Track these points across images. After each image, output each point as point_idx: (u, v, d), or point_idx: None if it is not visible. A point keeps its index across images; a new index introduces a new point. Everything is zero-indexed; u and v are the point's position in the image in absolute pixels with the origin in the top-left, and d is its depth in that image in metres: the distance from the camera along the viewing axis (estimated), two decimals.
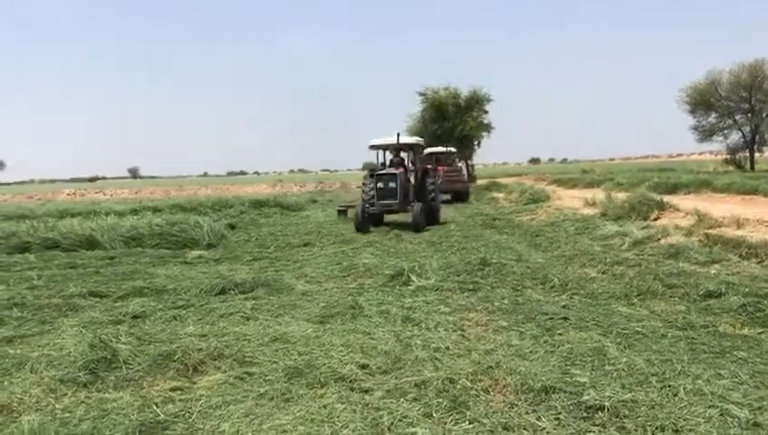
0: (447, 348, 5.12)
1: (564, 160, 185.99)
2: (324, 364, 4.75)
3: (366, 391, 4.24)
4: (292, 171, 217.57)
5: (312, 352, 5.09)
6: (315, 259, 10.68)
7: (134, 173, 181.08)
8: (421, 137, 37.56)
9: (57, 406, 4.20)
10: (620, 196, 16.09)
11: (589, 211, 15.95)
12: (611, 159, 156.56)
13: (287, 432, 3.61)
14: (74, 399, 4.33)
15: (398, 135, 16.15)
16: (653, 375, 4.35)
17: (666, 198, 14.53)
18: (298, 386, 4.39)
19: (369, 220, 15.58)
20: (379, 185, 15.79)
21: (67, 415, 4.00)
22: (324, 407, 3.98)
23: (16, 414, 4.11)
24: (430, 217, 15.99)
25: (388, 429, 3.63)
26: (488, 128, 44.54)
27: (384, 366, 4.72)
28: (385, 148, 16.97)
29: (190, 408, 4.07)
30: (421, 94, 43.92)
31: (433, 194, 16.59)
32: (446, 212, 18.72)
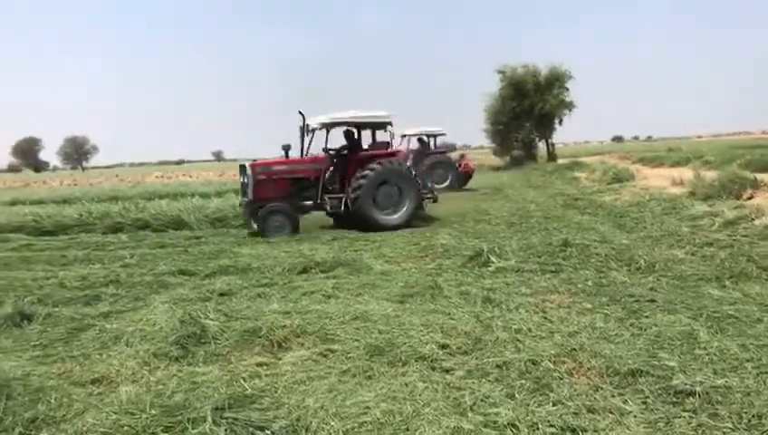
0: (529, 330, 5.05)
1: (649, 138, 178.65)
2: (405, 343, 4.78)
3: (447, 371, 4.25)
4: None
5: (393, 331, 5.12)
6: (393, 239, 10.73)
7: (218, 156, 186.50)
8: (501, 116, 36.33)
9: (151, 378, 4.41)
10: (710, 174, 15.35)
11: (676, 191, 15.32)
12: (699, 137, 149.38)
13: (370, 409, 3.66)
14: (167, 372, 4.53)
15: (302, 114, 12.69)
16: (748, 361, 4.15)
17: (760, 177, 13.78)
18: (379, 364, 4.44)
19: (255, 218, 12.35)
20: (242, 179, 12.97)
21: (161, 387, 4.19)
22: (406, 385, 4.01)
23: (115, 385, 4.35)
24: (359, 222, 12.57)
25: (470, 408, 3.63)
26: (569, 105, 43.42)
27: (464, 346, 4.71)
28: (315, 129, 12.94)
29: (276, 383, 4.19)
30: (500, 72, 43.28)
31: (358, 191, 12.38)
32: (520, 193, 18.29)
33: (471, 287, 6.58)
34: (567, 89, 42.94)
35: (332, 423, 3.50)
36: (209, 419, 3.49)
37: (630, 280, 6.71)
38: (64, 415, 3.80)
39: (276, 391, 4.04)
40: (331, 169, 13.15)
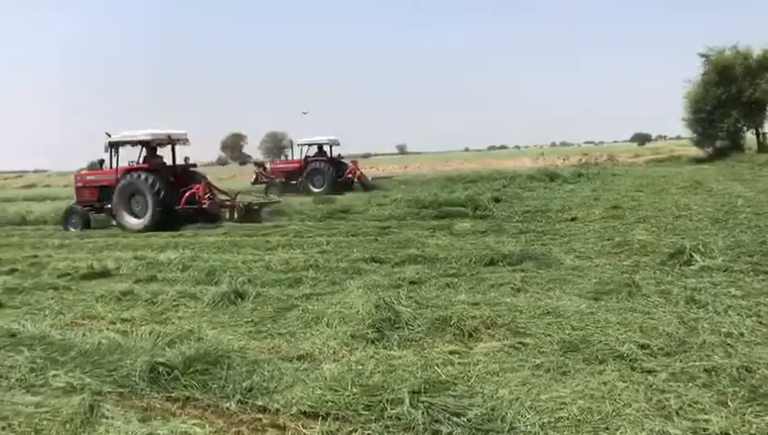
0: (741, 334, 4.64)
1: None
2: (600, 341, 4.61)
3: (649, 372, 4.04)
4: (553, 144, 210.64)
5: (587, 328, 4.96)
6: (583, 234, 10.33)
7: (402, 149, 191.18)
8: (704, 103, 33.51)
9: (351, 358, 4.68)
10: None
11: None
12: None
13: (566, 405, 3.59)
14: (364, 353, 4.77)
15: (108, 134, 15.90)
16: None
17: None
18: (574, 361, 4.33)
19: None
20: None
21: (360, 367, 4.42)
22: (604, 384, 3.88)
23: (318, 362, 4.67)
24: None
25: (676, 413, 3.42)
26: None
27: (667, 348, 4.44)
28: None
29: (468, 371, 4.24)
30: (703, 56, 39.68)
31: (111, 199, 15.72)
32: (725, 187, 16.74)
33: (672, 286, 6.18)
34: None
35: (528, 416, 3.48)
36: (407, 401, 3.63)
37: None
38: (276, 387, 4.15)
39: (469, 380, 4.09)
40: None
